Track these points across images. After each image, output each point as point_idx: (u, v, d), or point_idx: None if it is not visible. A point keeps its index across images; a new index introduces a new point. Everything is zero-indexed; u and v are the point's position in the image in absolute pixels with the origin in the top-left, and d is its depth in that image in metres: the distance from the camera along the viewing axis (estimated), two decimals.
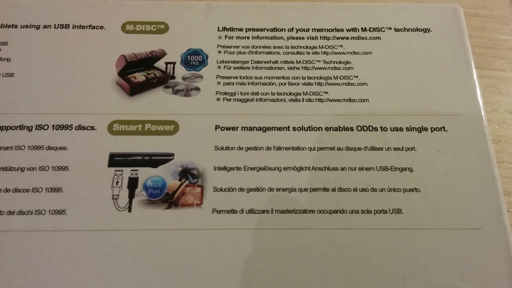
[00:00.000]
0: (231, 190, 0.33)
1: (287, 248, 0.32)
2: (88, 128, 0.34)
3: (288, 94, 0.36)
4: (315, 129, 0.35)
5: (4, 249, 0.31)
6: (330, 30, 0.39)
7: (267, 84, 0.37)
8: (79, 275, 0.31)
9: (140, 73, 0.37)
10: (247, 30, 0.39)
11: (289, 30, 0.39)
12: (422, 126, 0.35)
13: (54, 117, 0.35)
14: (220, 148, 0.34)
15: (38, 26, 0.38)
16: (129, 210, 0.32)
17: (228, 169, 0.34)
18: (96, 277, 0.31)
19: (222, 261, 0.31)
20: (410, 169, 0.34)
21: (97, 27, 0.38)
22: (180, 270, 0.31)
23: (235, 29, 0.39)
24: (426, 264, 0.31)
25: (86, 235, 0.31)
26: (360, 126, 0.35)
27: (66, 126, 0.34)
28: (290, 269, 0.31)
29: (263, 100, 0.36)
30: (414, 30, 0.39)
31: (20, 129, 0.34)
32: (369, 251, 0.32)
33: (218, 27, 0.39)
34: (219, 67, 0.37)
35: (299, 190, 0.33)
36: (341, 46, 0.39)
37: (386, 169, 0.34)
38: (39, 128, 0.34)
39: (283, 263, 0.31)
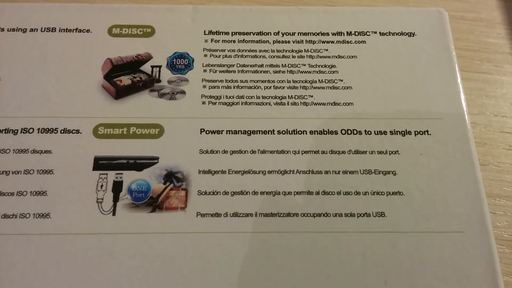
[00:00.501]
0: (215, 193, 0.33)
1: (271, 251, 0.32)
2: (73, 131, 0.35)
3: (273, 97, 0.37)
4: (300, 132, 0.35)
5: None
6: (315, 34, 0.40)
7: (253, 87, 0.37)
8: (63, 278, 0.31)
9: (126, 77, 0.37)
10: (233, 33, 0.39)
11: (275, 34, 0.39)
12: (406, 130, 0.36)
13: (39, 121, 0.35)
14: (205, 152, 0.34)
15: (24, 30, 0.38)
16: (114, 214, 0.32)
17: (213, 172, 0.34)
18: (80, 280, 0.31)
19: (206, 264, 0.31)
20: (394, 172, 0.34)
21: (84, 31, 0.39)
22: (164, 273, 0.31)
23: (221, 33, 0.39)
24: (408, 267, 0.32)
25: (71, 238, 0.32)
26: (345, 130, 0.36)
27: (51, 130, 0.35)
28: (273, 272, 0.31)
29: (248, 103, 0.36)
30: (399, 34, 0.40)
31: (5, 132, 0.34)
32: (352, 254, 0.32)
33: (204, 31, 0.39)
34: (205, 70, 0.38)
35: (283, 193, 0.33)
36: (327, 50, 0.39)
37: (370, 173, 0.34)
38: (24, 132, 0.34)
39: (267, 266, 0.31)
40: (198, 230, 0.32)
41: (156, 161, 0.34)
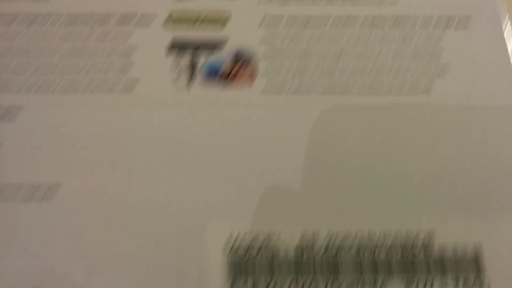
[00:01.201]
0: (280, 73, 0.36)
1: (336, 122, 0.35)
2: (150, 15, 0.37)
3: None
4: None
5: None
6: None
7: None
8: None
9: None
10: None
11: None
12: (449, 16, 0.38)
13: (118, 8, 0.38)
14: (270, 33, 0.37)
15: None
16: (188, 91, 0.35)
17: (278, 51, 0.36)
18: (164, 145, 0.34)
19: (272, 139, 0.34)
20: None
21: None
22: (234, 145, 0.34)
23: None
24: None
25: (151, 112, 0.35)
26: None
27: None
28: (339, 146, 0.34)
29: None
30: None
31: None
32: None
33: None
34: None
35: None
36: None
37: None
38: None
39: (331, 138, 0.34)
40: (264, 108, 0.35)
41: (226, 42, 0.37)
